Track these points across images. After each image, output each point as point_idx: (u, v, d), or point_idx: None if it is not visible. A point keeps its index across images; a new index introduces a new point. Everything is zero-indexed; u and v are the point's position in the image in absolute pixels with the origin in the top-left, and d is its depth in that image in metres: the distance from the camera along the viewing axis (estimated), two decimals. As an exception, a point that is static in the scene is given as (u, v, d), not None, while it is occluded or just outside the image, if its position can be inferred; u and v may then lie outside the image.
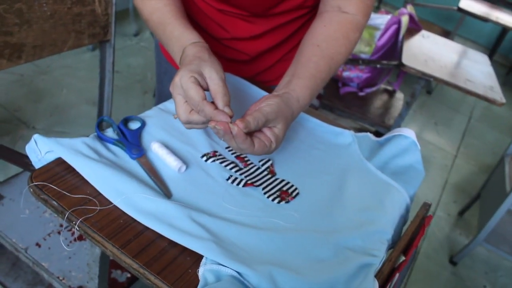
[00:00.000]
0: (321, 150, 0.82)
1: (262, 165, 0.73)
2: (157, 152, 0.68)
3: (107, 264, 0.74)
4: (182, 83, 0.61)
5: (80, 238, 0.97)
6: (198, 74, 0.62)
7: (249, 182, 0.68)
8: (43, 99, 2.20)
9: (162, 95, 1.13)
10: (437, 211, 2.31)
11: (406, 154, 0.83)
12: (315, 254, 0.59)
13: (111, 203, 0.58)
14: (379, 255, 0.62)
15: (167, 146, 0.69)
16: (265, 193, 0.67)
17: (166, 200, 0.58)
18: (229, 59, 0.99)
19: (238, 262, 0.53)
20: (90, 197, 0.58)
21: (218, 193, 0.65)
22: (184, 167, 0.66)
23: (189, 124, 0.64)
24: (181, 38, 0.72)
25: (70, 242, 0.95)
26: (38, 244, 0.93)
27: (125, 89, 2.44)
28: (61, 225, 0.98)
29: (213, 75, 0.63)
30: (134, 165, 0.65)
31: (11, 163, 0.78)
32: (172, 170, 0.66)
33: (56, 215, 0.96)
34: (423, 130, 3.09)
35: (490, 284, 1.97)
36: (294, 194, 0.69)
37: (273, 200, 0.67)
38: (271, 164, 0.74)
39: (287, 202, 0.67)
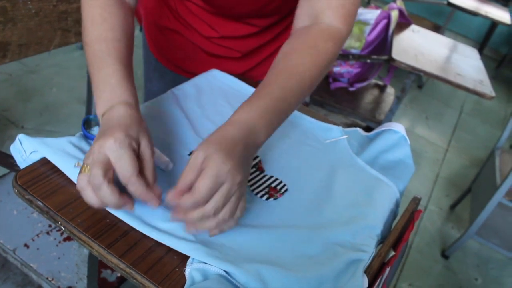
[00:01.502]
0: (311, 146, 0.82)
1: None
2: None
3: (96, 264, 0.73)
4: (118, 147, 0.52)
5: (69, 238, 0.96)
6: (136, 143, 0.55)
7: None
8: (32, 98, 2.18)
9: (150, 93, 1.11)
10: (429, 205, 2.32)
11: (395, 148, 0.83)
12: (304, 250, 0.59)
13: (96, 202, 0.57)
14: (368, 250, 0.62)
15: (154, 144, 0.69)
16: (253, 190, 0.67)
17: None
18: (219, 56, 0.98)
19: (225, 261, 0.52)
20: (75, 197, 0.57)
21: None
22: (171, 165, 0.66)
23: (97, 185, 0.51)
24: (116, 89, 0.61)
25: (59, 242, 0.94)
26: (26, 245, 0.92)
27: (115, 87, 2.43)
28: (50, 226, 0.97)
29: (147, 148, 0.56)
30: (120, 164, 0.64)
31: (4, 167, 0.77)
32: (159, 168, 0.65)
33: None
34: (414, 124, 3.10)
35: (482, 276, 1.98)
36: (282, 190, 0.69)
37: (261, 197, 0.66)
38: (260, 161, 0.73)
39: (276, 198, 0.67)
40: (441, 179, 2.57)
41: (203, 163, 0.52)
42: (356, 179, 0.76)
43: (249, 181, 0.69)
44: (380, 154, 0.83)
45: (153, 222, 0.56)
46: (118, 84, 0.61)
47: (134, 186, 0.52)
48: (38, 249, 0.92)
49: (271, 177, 0.71)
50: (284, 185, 0.70)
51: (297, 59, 0.66)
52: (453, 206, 2.34)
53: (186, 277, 0.51)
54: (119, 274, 0.91)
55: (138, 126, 0.56)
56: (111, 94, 0.60)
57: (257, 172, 0.71)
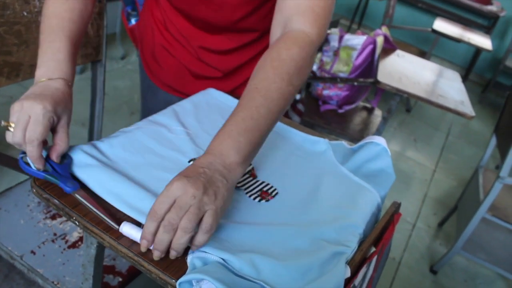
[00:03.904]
0: (299, 156, 0.89)
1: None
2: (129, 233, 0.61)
3: (101, 265, 0.79)
4: (40, 113, 0.61)
5: (73, 246, 1.01)
6: (57, 118, 0.65)
7: None
8: (32, 120, 2.24)
9: (146, 109, 1.20)
10: (417, 223, 2.39)
11: (377, 159, 0.90)
12: (292, 244, 0.66)
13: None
14: (351, 245, 0.69)
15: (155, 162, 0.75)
16: (247, 193, 0.74)
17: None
18: (203, 76, 1.06)
19: (223, 250, 0.59)
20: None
21: None
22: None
23: (17, 143, 0.63)
24: (62, 64, 0.71)
25: (64, 249, 1.00)
26: (33, 252, 0.97)
27: (112, 110, 2.50)
28: (55, 234, 1.03)
29: (65, 126, 0.67)
30: (132, 166, 0.71)
31: (15, 171, 0.84)
32: (163, 174, 0.72)
33: (51, 220, 1.01)
34: (403, 146, 3.19)
35: (470, 291, 2.03)
36: (273, 193, 0.76)
37: (254, 199, 0.73)
38: (253, 168, 0.81)
39: (267, 200, 0.74)
40: (429, 199, 2.64)
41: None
42: (340, 184, 0.83)
43: (243, 185, 0.76)
44: (363, 164, 0.90)
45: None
46: (65, 60, 0.72)
47: (32, 148, 0.61)
48: (44, 255, 0.97)
49: (263, 182, 0.78)
50: (275, 189, 0.77)
51: (261, 75, 0.68)
52: (441, 224, 2.41)
53: (188, 264, 0.58)
54: (120, 279, 0.96)
55: (65, 105, 0.67)
56: (56, 66, 0.70)
57: (250, 178, 0.78)
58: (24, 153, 0.65)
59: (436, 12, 4.63)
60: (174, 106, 0.93)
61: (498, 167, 3.11)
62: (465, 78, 4.51)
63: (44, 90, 0.66)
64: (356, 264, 0.68)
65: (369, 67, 2.10)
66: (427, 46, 4.49)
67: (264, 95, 0.66)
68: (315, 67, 2.19)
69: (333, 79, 2.02)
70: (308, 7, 0.73)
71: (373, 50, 2.06)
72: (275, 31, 0.77)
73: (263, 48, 1.03)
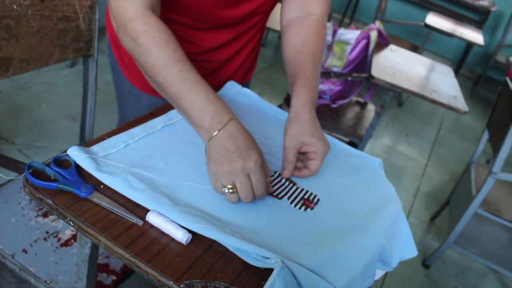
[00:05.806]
0: (338, 163, 0.87)
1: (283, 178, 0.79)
2: (156, 222, 0.63)
3: (95, 265, 0.78)
4: (258, 170, 0.66)
5: (66, 244, 1.00)
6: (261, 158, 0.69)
7: (274, 194, 0.74)
8: (23, 114, 2.21)
9: (126, 117, 1.12)
10: (409, 218, 2.40)
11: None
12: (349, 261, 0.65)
13: (104, 201, 0.62)
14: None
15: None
16: (291, 202, 0.73)
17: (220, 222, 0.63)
18: None
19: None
20: (80, 197, 0.63)
21: (253, 207, 0.69)
22: (190, 237, 0.61)
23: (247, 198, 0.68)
24: (220, 104, 0.70)
25: (57, 248, 0.98)
26: (24, 250, 0.96)
27: (104, 105, 2.47)
28: (47, 232, 1.01)
29: (265, 165, 0.71)
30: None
31: (6, 168, 0.82)
32: (209, 192, 0.69)
33: (43, 218, 1.00)
34: (395, 141, 3.20)
35: (461, 285, 2.05)
36: (315, 201, 0.74)
37: (299, 208, 0.72)
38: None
39: (312, 209, 0.73)
40: (421, 193, 2.66)
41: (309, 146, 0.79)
42: (377, 193, 0.84)
43: (285, 194, 0.74)
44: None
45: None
46: (218, 99, 0.70)
47: (263, 195, 0.68)
48: (36, 254, 0.96)
49: (303, 189, 0.77)
50: (316, 196, 0.76)
51: (313, 43, 0.91)
52: (432, 218, 2.42)
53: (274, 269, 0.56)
54: (114, 277, 0.95)
55: (254, 141, 0.70)
56: (218, 108, 0.69)
57: (290, 185, 0.77)
58: (30, 166, 0.63)
59: (428, 7, 4.64)
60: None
61: (489, 162, 3.14)
62: (456, 73, 4.53)
63: (234, 139, 0.67)
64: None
65: (362, 61, 2.10)
66: (419, 40, 4.50)
67: (317, 60, 0.90)
68: (308, 62, 2.17)
69: (327, 74, 2.01)
70: None
71: (367, 45, 2.06)
72: (295, 11, 0.94)
73: (251, 36, 1.01)
